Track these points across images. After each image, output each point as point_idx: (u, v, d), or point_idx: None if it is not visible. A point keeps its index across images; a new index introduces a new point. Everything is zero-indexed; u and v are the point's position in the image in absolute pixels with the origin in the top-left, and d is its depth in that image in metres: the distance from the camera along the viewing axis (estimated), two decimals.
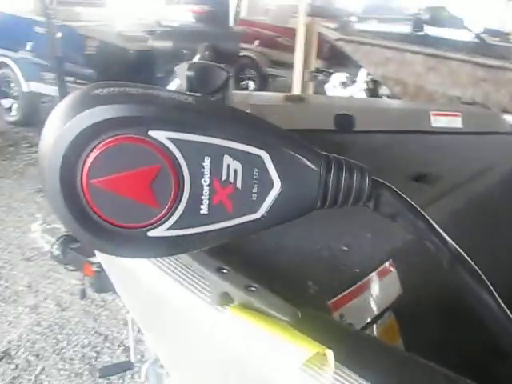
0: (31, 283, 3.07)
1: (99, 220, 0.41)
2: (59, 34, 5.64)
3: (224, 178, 0.42)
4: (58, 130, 0.39)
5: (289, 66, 6.24)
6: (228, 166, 0.42)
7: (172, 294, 0.60)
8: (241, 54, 8.03)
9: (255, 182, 0.43)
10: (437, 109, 1.76)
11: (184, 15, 7.45)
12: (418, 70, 3.19)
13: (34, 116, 6.29)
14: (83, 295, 2.35)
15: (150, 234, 0.42)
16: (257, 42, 8.46)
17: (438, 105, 2.55)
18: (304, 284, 0.72)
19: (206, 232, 0.43)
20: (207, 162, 0.41)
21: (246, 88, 8.41)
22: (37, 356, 2.49)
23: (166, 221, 0.42)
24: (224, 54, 1.45)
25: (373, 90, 4.72)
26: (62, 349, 2.55)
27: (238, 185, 0.43)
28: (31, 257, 3.29)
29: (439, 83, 3.11)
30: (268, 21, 9.12)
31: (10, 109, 6.30)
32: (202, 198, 0.42)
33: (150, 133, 0.40)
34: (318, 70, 6.13)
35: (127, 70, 6.07)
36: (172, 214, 0.42)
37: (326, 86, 4.99)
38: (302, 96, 1.67)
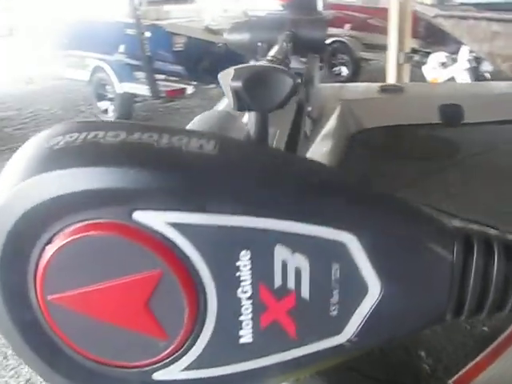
0: None
1: (70, 354, 0.25)
2: (148, 34, 5.70)
3: (278, 283, 0.25)
4: None
5: (382, 48, 5.92)
6: (284, 263, 0.25)
7: None
8: (332, 39, 7.76)
9: (335, 285, 0.25)
10: None
11: (271, 4, 7.28)
12: None
13: (128, 116, 6.40)
14: None
15: (158, 376, 0.25)
16: (348, 26, 8.14)
17: None
18: (415, 356, 0.53)
19: (251, 371, 0.25)
20: (245, 258, 0.25)
21: (339, 74, 8.11)
22: None
23: (181, 356, 0.25)
24: (308, 44, 1.27)
25: (476, 69, 4.33)
26: None
27: (304, 293, 0.25)
28: None
29: None
30: (358, 2, 8.77)
31: (106, 111, 6.44)
32: (242, 318, 0.25)
33: (136, 215, 0.24)
34: (413, 51, 5.77)
35: (216, 64, 6.01)
36: (191, 346, 0.25)
37: (424, 68, 4.64)
38: (399, 85, 1.45)
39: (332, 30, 7.46)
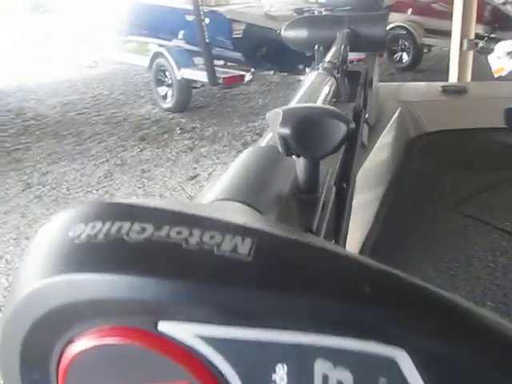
0: None
1: None
2: (207, 20, 5.72)
3: None
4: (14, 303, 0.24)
5: (446, 34, 5.74)
6: (325, 377, 0.23)
7: None
8: (393, 24, 7.57)
9: None
10: None
11: None
12: None
13: (186, 102, 6.46)
14: None
15: None
16: (410, 11, 7.92)
17: None
18: None
19: None
20: (282, 372, 0.23)
21: (399, 61, 7.93)
22: None
23: None
24: (367, 42, 1.24)
25: None
26: None
27: None
28: None
29: None
30: None
31: (165, 96, 6.52)
32: None
33: (162, 326, 0.23)
34: (478, 37, 5.56)
35: (275, 50, 5.98)
36: None
37: (490, 57, 4.46)
38: (462, 86, 1.40)
39: (393, 15, 7.28)
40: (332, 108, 0.40)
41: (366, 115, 1.02)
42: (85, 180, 4.46)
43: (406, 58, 7.90)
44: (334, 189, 0.48)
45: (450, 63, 4.71)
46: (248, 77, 6.04)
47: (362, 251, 0.86)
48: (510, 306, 0.64)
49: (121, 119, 6.23)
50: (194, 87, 6.40)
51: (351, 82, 1.06)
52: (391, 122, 1.20)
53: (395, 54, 7.94)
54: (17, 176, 4.56)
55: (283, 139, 0.38)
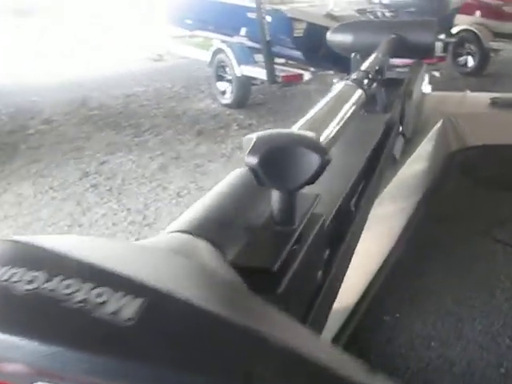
0: None
1: None
2: (268, 19, 5.73)
3: None
4: None
5: None
6: None
7: None
8: (459, 27, 7.35)
9: None
10: None
11: None
12: None
13: (244, 99, 6.48)
14: None
15: None
16: (478, 13, 7.65)
17: None
18: None
19: None
20: None
21: (464, 65, 7.69)
22: None
23: None
24: (414, 48, 1.22)
25: None
26: None
27: None
28: None
29: None
30: None
31: (224, 92, 6.56)
32: None
33: None
34: None
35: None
36: None
37: None
38: None
39: (461, 18, 7.07)
40: (308, 136, 0.37)
41: (400, 128, 0.99)
42: (140, 171, 4.55)
43: (471, 62, 7.65)
44: (323, 217, 0.45)
45: None
46: (307, 76, 6.01)
47: (382, 267, 0.85)
48: None
49: (180, 113, 6.31)
50: (254, 84, 6.42)
51: (391, 90, 1.04)
52: (431, 133, 1.17)
53: (460, 57, 7.70)
54: (75, 164, 4.70)
55: (252, 169, 0.35)
